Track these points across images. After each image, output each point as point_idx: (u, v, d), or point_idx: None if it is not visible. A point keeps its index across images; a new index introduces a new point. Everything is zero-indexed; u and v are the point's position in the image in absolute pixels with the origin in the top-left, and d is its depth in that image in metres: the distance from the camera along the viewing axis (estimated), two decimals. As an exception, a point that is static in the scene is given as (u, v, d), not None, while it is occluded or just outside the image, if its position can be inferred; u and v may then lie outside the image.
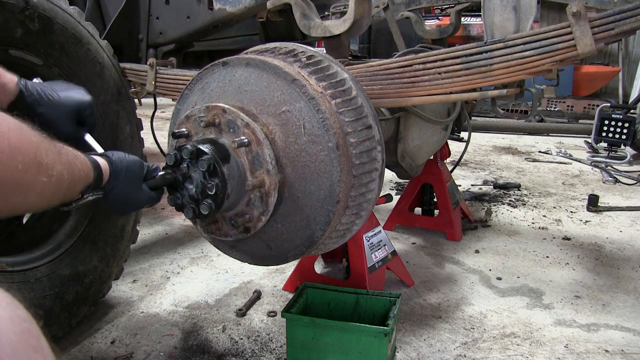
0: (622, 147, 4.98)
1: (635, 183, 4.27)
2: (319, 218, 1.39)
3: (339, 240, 1.57)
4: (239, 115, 1.35)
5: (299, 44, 1.57)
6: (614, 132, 4.90)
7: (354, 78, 1.53)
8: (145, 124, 2.34)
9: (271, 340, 2.00)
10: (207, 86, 1.50)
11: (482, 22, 1.87)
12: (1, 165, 0.79)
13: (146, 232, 3.06)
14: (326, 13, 2.57)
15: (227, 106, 1.38)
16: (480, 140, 5.87)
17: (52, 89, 1.38)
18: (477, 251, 2.87)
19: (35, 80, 1.40)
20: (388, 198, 2.39)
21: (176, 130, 1.41)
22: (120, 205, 1.28)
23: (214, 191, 1.30)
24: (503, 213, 3.53)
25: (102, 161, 1.20)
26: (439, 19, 7.21)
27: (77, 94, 1.42)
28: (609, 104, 5.29)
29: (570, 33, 1.54)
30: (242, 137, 1.33)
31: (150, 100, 2.61)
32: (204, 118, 1.39)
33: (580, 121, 6.59)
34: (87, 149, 1.38)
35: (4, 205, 0.84)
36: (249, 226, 1.41)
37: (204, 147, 1.32)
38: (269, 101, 1.39)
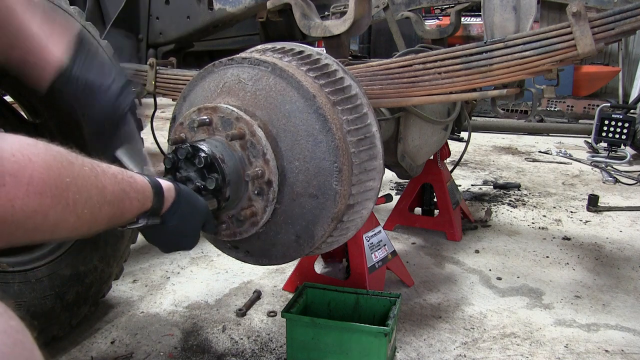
0: (622, 147, 4.97)
1: (635, 183, 4.27)
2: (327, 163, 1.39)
3: (367, 191, 1.54)
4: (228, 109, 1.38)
5: (295, 43, 1.59)
6: (614, 132, 4.89)
7: (328, 55, 1.57)
8: (145, 123, 2.34)
9: (271, 340, 2.00)
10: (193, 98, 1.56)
11: (482, 22, 1.87)
12: (20, 201, 0.71)
13: (146, 232, 3.06)
14: (326, 13, 2.57)
15: (220, 105, 1.40)
16: (480, 140, 5.87)
17: (100, 83, 1.22)
18: (477, 251, 2.87)
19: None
20: (388, 198, 2.39)
21: (173, 137, 1.43)
22: (172, 241, 1.20)
23: (213, 186, 1.31)
24: (503, 213, 3.53)
25: (167, 185, 1.12)
26: (439, 19, 7.21)
27: (116, 98, 1.26)
28: (609, 104, 5.28)
29: (570, 33, 1.54)
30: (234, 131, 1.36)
31: (150, 100, 2.61)
32: (196, 120, 1.42)
33: (580, 121, 6.58)
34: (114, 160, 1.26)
35: (21, 238, 0.75)
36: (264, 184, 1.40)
37: (199, 145, 1.34)
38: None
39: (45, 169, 0.73)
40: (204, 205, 1.25)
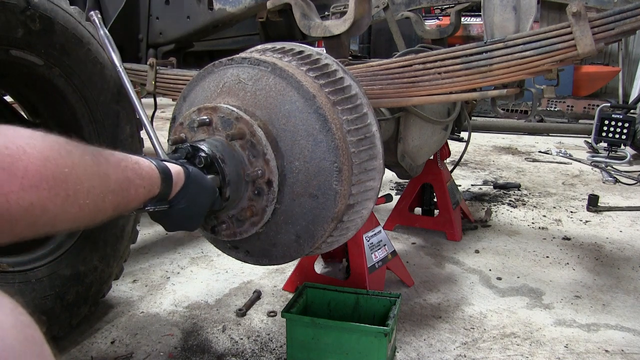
0: (622, 147, 4.98)
1: (635, 183, 4.27)
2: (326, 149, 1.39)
3: (367, 191, 1.54)
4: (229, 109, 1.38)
5: (295, 43, 1.59)
6: (614, 132, 4.89)
7: (328, 55, 1.58)
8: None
9: (271, 340, 2.00)
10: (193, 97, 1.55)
11: (482, 22, 1.87)
12: (14, 195, 0.67)
13: (146, 232, 3.06)
14: (326, 13, 2.58)
15: (220, 105, 1.40)
16: (480, 140, 5.87)
17: None
18: (477, 251, 2.87)
19: None
20: (388, 198, 2.39)
21: (173, 136, 1.42)
22: (177, 222, 1.19)
23: None
24: (503, 213, 3.53)
25: (176, 170, 1.11)
26: (439, 19, 7.22)
27: None
28: (609, 104, 5.29)
29: (570, 33, 1.54)
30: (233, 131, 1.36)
31: (150, 100, 2.61)
32: (196, 120, 1.41)
33: (580, 121, 6.59)
34: None
35: (28, 231, 0.73)
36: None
37: (199, 145, 1.33)
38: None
39: (41, 160, 0.70)
40: (212, 186, 1.25)
